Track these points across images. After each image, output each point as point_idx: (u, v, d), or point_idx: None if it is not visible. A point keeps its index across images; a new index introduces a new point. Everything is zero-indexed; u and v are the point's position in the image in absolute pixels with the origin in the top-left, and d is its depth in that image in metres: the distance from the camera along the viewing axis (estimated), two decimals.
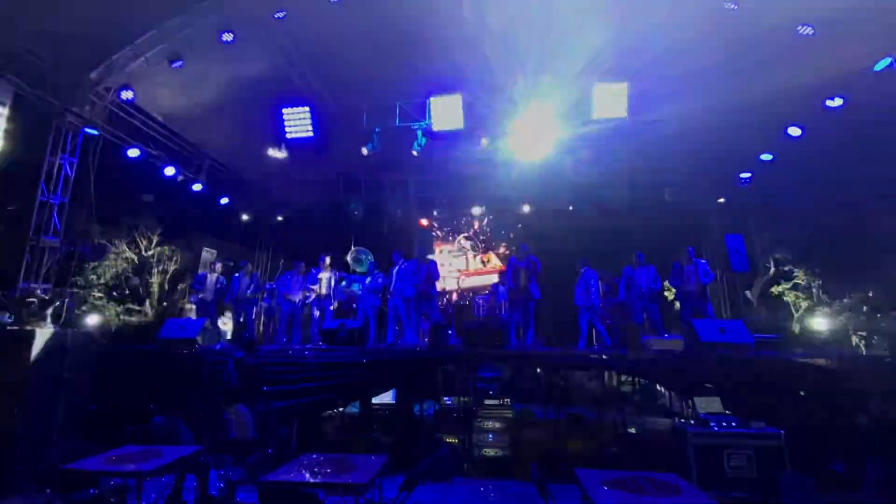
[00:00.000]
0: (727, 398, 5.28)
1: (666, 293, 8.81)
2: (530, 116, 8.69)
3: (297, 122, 8.91)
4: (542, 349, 7.67)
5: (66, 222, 7.65)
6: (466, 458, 6.07)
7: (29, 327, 5.91)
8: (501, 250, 12.36)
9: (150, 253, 9.91)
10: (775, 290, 8.49)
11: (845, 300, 7.58)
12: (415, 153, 8.95)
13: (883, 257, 7.13)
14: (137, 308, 9.49)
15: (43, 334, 5.90)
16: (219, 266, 8.80)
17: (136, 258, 9.69)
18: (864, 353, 6.01)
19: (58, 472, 3.68)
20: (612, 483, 3.37)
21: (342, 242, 11.73)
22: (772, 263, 8.88)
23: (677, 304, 7.98)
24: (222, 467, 4.64)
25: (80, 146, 7.83)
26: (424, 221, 12.56)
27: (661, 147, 9.56)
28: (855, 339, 7.04)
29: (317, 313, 8.22)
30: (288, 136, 9.03)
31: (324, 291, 8.08)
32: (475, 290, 11.68)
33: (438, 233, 12.75)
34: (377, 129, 9.33)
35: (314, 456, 4.05)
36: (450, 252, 12.49)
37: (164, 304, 10.11)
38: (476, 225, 12.70)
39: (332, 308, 8.22)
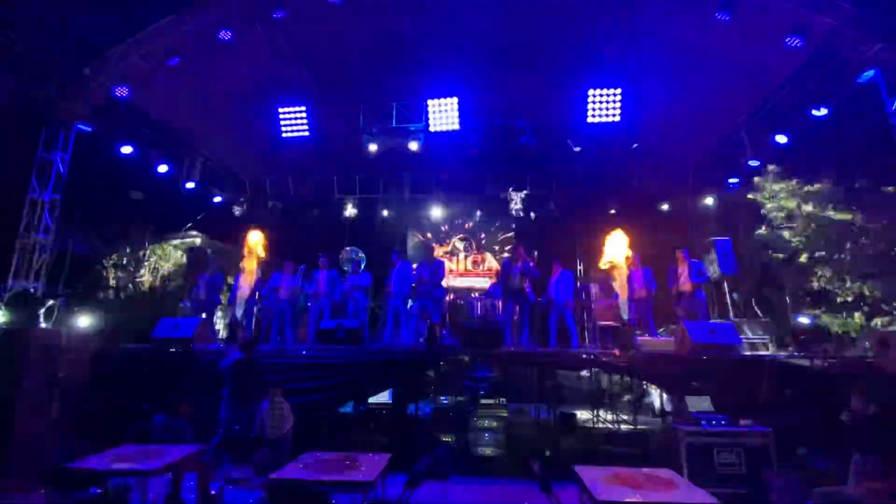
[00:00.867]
0: (717, 397, 5.45)
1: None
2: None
3: (294, 121, 8.90)
4: (538, 349, 7.79)
5: (58, 219, 7.57)
6: (463, 456, 6.14)
7: (22, 326, 5.84)
8: (496, 250, 12.48)
9: (142, 252, 9.81)
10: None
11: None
12: (414, 146, 9.00)
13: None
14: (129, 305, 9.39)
15: (36, 333, 5.85)
16: (213, 265, 8.75)
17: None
18: (847, 354, 6.24)
19: (59, 471, 3.67)
20: (610, 479, 3.48)
21: (337, 242, 11.73)
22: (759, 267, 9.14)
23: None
24: (223, 466, 4.66)
25: (73, 143, 7.74)
26: (420, 236, 12.64)
27: (653, 150, 9.80)
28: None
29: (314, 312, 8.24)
30: (284, 135, 9.01)
31: (322, 291, 8.09)
32: (463, 291, 11.81)
33: (430, 234, 12.82)
34: (373, 129, 9.39)
35: (318, 454, 4.11)
36: (445, 253, 12.56)
37: (157, 302, 10.01)
38: (470, 226, 12.79)
39: (329, 308, 8.23)
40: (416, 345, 7.56)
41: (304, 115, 8.79)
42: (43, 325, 6.42)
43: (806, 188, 8.20)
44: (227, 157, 10.56)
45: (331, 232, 11.70)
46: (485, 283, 11.96)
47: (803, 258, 8.22)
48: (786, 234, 8.48)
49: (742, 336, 6.41)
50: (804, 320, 7.46)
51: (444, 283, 7.96)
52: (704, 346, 6.13)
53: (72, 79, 7.49)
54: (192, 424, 5.12)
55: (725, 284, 8.99)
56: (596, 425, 6.72)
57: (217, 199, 11.09)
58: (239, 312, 8.13)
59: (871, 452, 3.79)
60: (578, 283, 8.51)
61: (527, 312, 7.64)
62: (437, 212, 12.20)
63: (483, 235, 12.64)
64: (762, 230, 8.94)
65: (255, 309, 8.39)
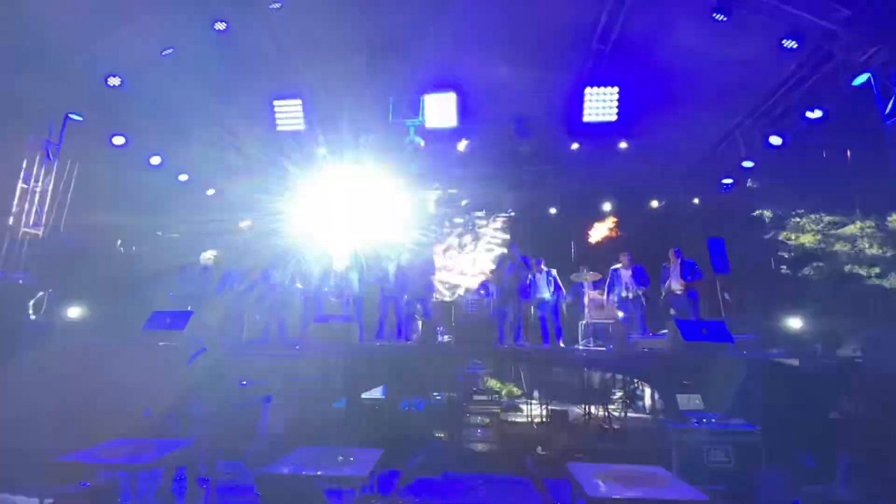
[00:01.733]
0: (708, 395, 5.50)
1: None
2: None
3: (289, 114, 8.83)
4: (530, 346, 7.82)
5: (49, 210, 7.46)
6: (455, 452, 6.16)
7: (10, 318, 5.76)
8: (489, 249, 12.48)
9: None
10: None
11: None
12: (414, 140, 8.96)
13: None
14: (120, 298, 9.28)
15: (25, 325, 5.78)
16: (203, 258, 8.66)
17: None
18: (836, 354, 6.31)
19: (49, 464, 3.63)
20: (602, 475, 3.50)
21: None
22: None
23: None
24: (214, 461, 4.63)
25: (64, 132, 7.63)
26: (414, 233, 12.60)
27: (648, 150, 9.83)
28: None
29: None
30: (279, 128, 8.94)
31: (315, 285, 8.05)
32: (455, 288, 11.82)
33: (425, 231, 12.79)
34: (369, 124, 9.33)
35: (310, 449, 4.09)
36: (442, 251, 12.55)
37: (147, 294, 9.90)
38: (464, 223, 12.78)
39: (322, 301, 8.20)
40: (409, 341, 7.55)
41: (299, 108, 8.73)
42: (32, 316, 6.33)
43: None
44: (221, 149, 10.43)
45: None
46: (475, 281, 12.01)
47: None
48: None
49: (733, 335, 6.48)
50: (795, 320, 7.53)
51: (437, 280, 7.94)
52: (696, 345, 6.18)
53: (64, 67, 7.37)
54: (181, 418, 5.08)
55: (718, 283, 9.07)
56: (588, 422, 6.75)
57: (210, 192, 10.98)
58: (231, 306, 8.06)
59: (859, 451, 3.85)
60: (572, 281, 8.53)
61: (520, 310, 7.65)
62: (431, 208, 12.17)
63: (478, 233, 12.64)
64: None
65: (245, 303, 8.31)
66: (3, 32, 6.62)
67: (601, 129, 8.57)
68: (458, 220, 12.74)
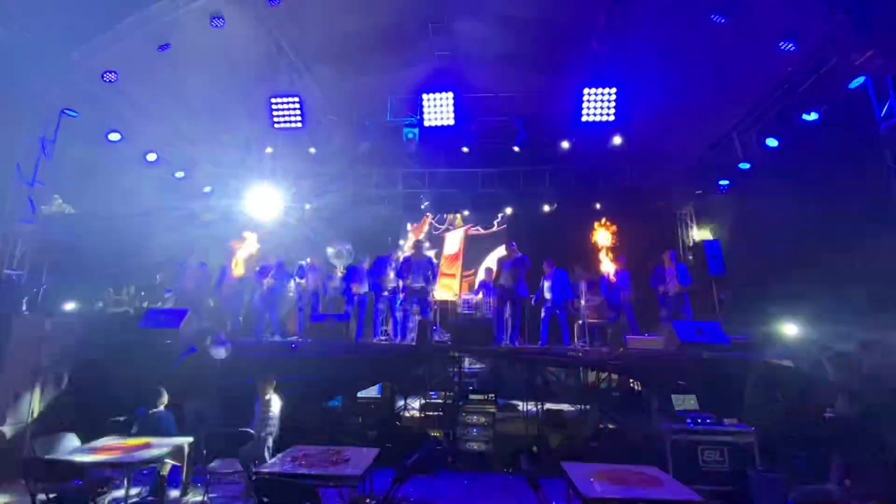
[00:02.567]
0: (703, 396, 5.52)
1: None
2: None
3: (286, 112, 8.78)
4: (528, 346, 7.83)
5: (43, 206, 7.40)
6: (451, 451, 6.17)
7: (4, 314, 5.72)
8: (487, 249, 12.48)
9: None
10: None
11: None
12: (412, 136, 8.97)
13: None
14: (115, 296, 9.24)
15: (19, 321, 5.73)
16: (197, 255, 8.63)
17: None
18: (829, 356, 6.35)
19: (43, 462, 3.61)
20: (597, 475, 3.52)
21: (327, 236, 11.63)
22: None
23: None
24: (208, 459, 4.61)
25: (59, 128, 7.56)
26: (411, 232, 12.61)
27: (645, 151, 9.85)
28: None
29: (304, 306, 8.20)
30: (276, 125, 8.90)
31: (312, 284, 8.04)
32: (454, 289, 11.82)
33: (422, 230, 12.79)
34: (368, 123, 9.33)
35: (305, 448, 4.08)
36: (437, 251, 12.54)
37: (143, 293, 9.87)
38: (460, 223, 12.78)
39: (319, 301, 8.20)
40: (406, 340, 7.55)
41: (297, 105, 8.69)
42: (26, 313, 6.29)
43: None
44: (218, 146, 10.39)
45: (322, 225, 11.60)
46: (473, 280, 12.04)
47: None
48: None
49: (728, 336, 6.51)
50: (790, 323, 7.57)
51: (431, 286, 7.91)
52: (692, 346, 6.21)
53: (59, 62, 7.31)
54: (176, 416, 5.06)
55: (713, 285, 9.11)
56: (583, 422, 6.77)
57: (207, 189, 10.93)
58: (226, 304, 8.05)
59: (852, 452, 3.87)
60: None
61: (517, 310, 7.66)
62: (429, 207, 12.16)
63: (473, 231, 12.64)
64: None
65: (242, 301, 8.30)
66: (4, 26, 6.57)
67: (599, 129, 8.58)
68: (456, 220, 12.74)
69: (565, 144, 9.34)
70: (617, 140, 8.97)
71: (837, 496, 3.72)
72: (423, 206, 12.01)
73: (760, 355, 6.41)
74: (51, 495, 3.61)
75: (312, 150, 9.53)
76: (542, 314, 7.71)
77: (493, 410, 6.57)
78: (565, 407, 7.36)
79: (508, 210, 12.07)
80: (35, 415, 5.53)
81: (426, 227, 12.72)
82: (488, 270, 8.85)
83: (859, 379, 4.15)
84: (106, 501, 4.08)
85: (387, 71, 8.66)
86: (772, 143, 7.98)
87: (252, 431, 4.97)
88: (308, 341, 7.28)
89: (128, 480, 3.87)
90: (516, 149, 9.31)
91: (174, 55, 7.39)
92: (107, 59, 7.37)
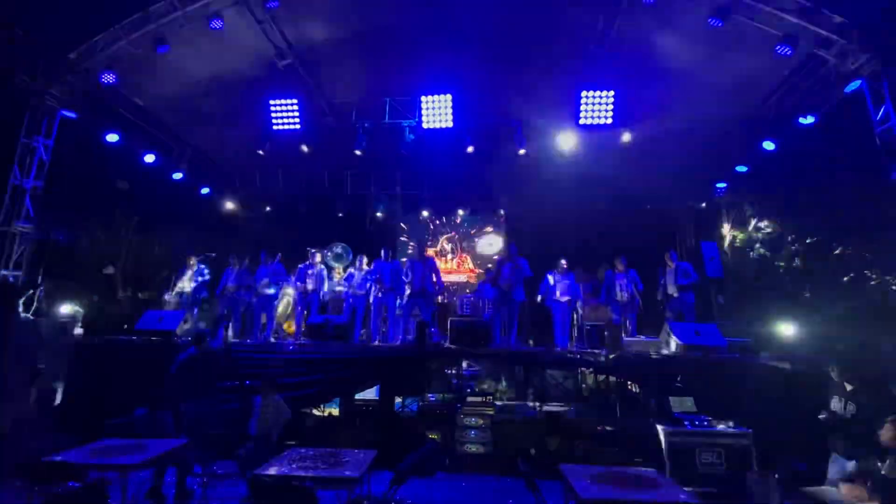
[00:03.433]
0: (700, 398, 5.53)
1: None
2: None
3: (285, 114, 8.80)
4: (526, 348, 7.83)
5: (40, 207, 7.39)
6: (449, 453, 6.16)
7: (1, 317, 5.69)
8: (485, 250, 12.50)
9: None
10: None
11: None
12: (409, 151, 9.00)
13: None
14: (111, 298, 9.23)
15: (16, 323, 5.72)
16: (195, 258, 8.63)
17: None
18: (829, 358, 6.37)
19: (37, 464, 3.59)
20: (594, 477, 3.52)
21: (325, 237, 11.64)
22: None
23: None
24: (206, 461, 4.60)
25: (57, 129, 7.56)
26: (410, 234, 12.64)
27: (643, 153, 9.88)
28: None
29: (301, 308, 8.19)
30: (274, 127, 8.92)
31: (311, 286, 8.03)
32: (450, 288, 11.84)
33: (421, 231, 12.80)
34: (366, 125, 9.34)
35: (303, 450, 4.08)
36: (435, 252, 12.55)
37: (140, 295, 9.86)
38: (458, 223, 12.79)
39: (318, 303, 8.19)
40: (404, 342, 7.54)
41: (295, 107, 8.70)
42: (22, 315, 6.27)
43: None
44: (215, 148, 10.39)
45: (320, 227, 11.61)
46: (464, 278, 12.08)
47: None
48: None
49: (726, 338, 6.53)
50: (786, 324, 7.60)
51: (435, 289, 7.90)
52: (689, 348, 6.22)
53: (57, 63, 7.30)
54: (174, 418, 5.05)
55: (711, 287, 9.14)
56: (582, 424, 6.76)
57: (205, 191, 10.93)
58: (224, 306, 8.04)
59: (848, 453, 3.89)
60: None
61: (515, 312, 7.66)
62: (427, 209, 12.18)
63: (472, 234, 12.66)
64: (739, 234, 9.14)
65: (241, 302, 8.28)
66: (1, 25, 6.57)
67: (597, 132, 8.61)
68: (455, 221, 12.75)
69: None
70: (626, 137, 8.95)
71: (836, 499, 3.73)
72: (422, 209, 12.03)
73: (757, 358, 6.44)
74: (47, 497, 3.59)
75: (305, 147, 9.52)
76: (553, 316, 7.71)
77: (490, 412, 6.56)
78: (563, 409, 7.34)
79: (507, 212, 12.09)
80: (32, 416, 5.51)
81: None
82: (488, 272, 8.86)
83: (857, 380, 4.16)
84: None
85: (385, 73, 8.67)
86: (769, 146, 8.02)
87: (250, 433, 4.96)
88: (306, 343, 7.28)
89: (125, 482, 3.85)
90: (522, 151, 9.28)
91: (173, 57, 7.40)
92: (105, 60, 7.38)
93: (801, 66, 7.09)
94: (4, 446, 5.02)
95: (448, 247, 12.67)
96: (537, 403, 7.10)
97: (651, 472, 3.72)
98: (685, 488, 3.48)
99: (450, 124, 8.48)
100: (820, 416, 4.32)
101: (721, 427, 5.12)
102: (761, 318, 8.18)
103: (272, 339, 7.91)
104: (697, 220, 10.75)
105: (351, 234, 11.74)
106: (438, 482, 5.50)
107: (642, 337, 7.47)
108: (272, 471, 3.43)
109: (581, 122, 8.17)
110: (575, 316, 8.09)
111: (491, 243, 12.47)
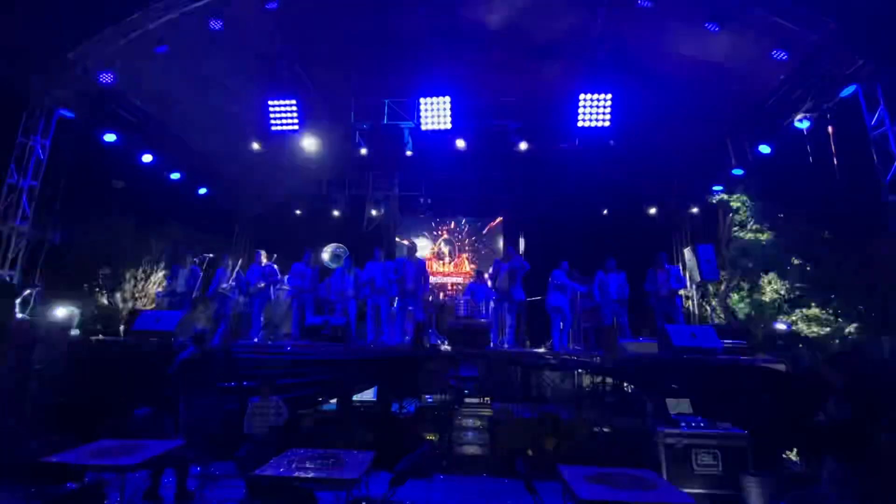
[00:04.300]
0: (696, 400, 5.57)
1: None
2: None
3: (284, 114, 8.80)
4: (523, 350, 7.85)
5: (37, 207, 7.36)
6: (446, 455, 6.16)
7: None
8: (484, 251, 12.53)
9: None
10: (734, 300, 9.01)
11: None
12: (409, 153, 9.00)
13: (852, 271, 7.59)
14: (108, 299, 9.19)
15: (11, 324, 5.69)
16: (190, 259, 8.61)
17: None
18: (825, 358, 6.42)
19: (36, 465, 3.58)
20: (592, 478, 3.54)
21: (322, 238, 11.65)
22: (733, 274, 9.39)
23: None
24: (204, 462, 4.59)
25: (54, 129, 7.54)
26: (407, 235, 12.65)
27: (638, 156, 9.94)
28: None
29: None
30: (273, 128, 8.91)
31: (307, 287, 8.03)
32: (445, 288, 11.89)
33: (417, 233, 12.83)
34: (364, 126, 9.36)
35: (301, 451, 4.08)
36: (432, 254, 12.57)
37: (136, 296, 9.82)
38: (456, 225, 12.82)
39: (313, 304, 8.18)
40: (401, 343, 7.55)
41: (294, 108, 8.70)
42: (18, 315, 6.24)
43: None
44: (214, 148, 10.37)
45: (318, 228, 11.61)
46: (462, 280, 12.11)
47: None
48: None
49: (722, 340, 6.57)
50: (781, 326, 7.66)
51: (430, 283, 7.92)
52: (685, 350, 6.26)
53: (55, 63, 7.28)
54: (173, 418, 5.03)
55: (710, 288, 9.20)
56: (579, 425, 6.79)
57: (202, 191, 10.91)
58: (220, 306, 8.02)
59: (845, 455, 3.91)
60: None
61: (513, 313, 7.68)
62: (424, 211, 12.20)
63: (470, 235, 12.68)
64: (738, 232, 9.23)
65: (236, 302, 8.27)
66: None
67: (595, 135, 8.67)
68: (453, 223, 12.78)
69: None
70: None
71: (832, 501, 3.75)
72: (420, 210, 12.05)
73: (753, 359, 6.48)
74: (45, 498, 3.58)
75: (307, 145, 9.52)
76: (551, 318, 7.73)
77: (488, 414, 6.58)
78: (560, 410, 7.36)
79: (506, 214, 12.13)
80: (29, 417, 5.48)
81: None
82: (478, 273, 8.88)
83: (854, 381, 4.19)
84: None
85: (384, 74, 8.69)
86: (765, 149, 8.09)
87: (246, 433, 4.95)
88: (303, 344, 7.27)
89: (123, 483, 3.84)
90: (523, 145, 9.29)
91: (172, 57, 7.39)
92: (104, 60, 7.36)
93: (797, 70, 7.15)
94: (1, 448, 4.99)
95: (446, 249, 12.69)
96: (535, 405, 7.13)
97: (648, 473, 3.75)
98: (681, 489, 3.50)
99: (448, 126, 8.50)
100: (817, 418, 4.35)
101: (717, 428, 5.16)
102: (758, 319, 8.24)
103: (269, 341, 7.90)
104: (693, 222, 10.82)
105: (347, 235, 11.74)
106: (436, 483, 5.50)
107: (639, 339, 7.50)
108: (272, 471, 3.43)
109: (579, 124, 8.21)
110: (573, 318, 8.12)
111: (488, 245, 12.50)
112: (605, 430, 6.64)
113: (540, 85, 8.48)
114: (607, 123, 8.18)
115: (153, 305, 9.57)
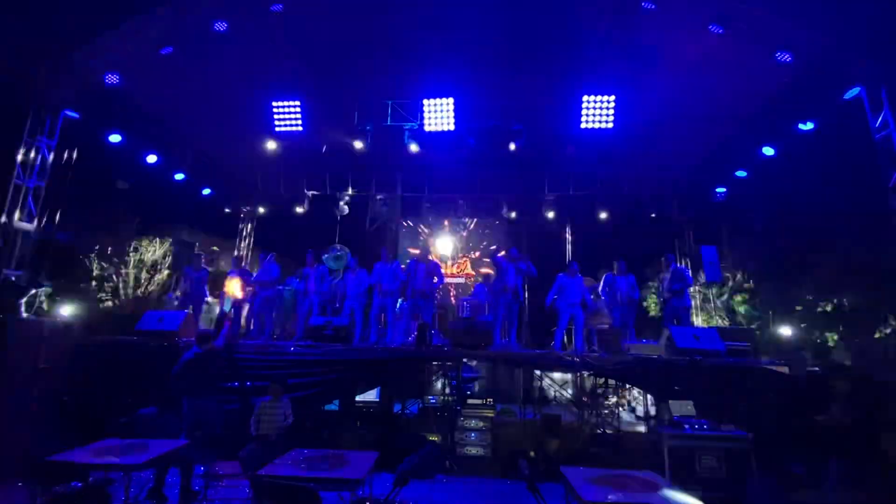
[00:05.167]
0: (700, 402, 5.56)
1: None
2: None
3: (288, 115, 8.84)
4: (526, 351, 7.84)
5: (43, 207, 7.40)
6: (449, 456, 6.17)
7: (2, 315, 5.70)
8: (486, 253, 12.53)
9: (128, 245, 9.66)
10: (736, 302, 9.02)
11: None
12: (414, 148, 9.01)
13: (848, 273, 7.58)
14: (111, 298, 9.24)
15: (18, 323, 5.72)
16: (199, 259, 8.64)
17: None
18: (826, 362, 6.41)
19: (41, 464, 3.60)
20: (595, 480, 3.54)
21: (325, 239, 11.66)
22: (737, 275, 9.37)
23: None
24: (208, 462, 4.61)
25: (60, 129, 7.58)
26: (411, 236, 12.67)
27: (643, 158, 9.93)
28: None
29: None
30: (277, 129, 8.95)
31: (311, 288, 8.04)
32: (453, 291, 11.89)
33: (423, 232, 12.84)
34: (367, 127, 9.37)
35: (305, 451, 4.09)
36: (435, 255, 12.58)
37: (141, 295, 9.87)
38: (458, 226, 12.82)
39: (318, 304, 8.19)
40: (405, 344, 7.55)
41: (297, 109, 8.74)
42: (24, 314, 6.28)
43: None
44: (218, 149, 10.41)
45: (321, 229, 11.64)
46: (465, 281, 12.12)
47: None
48: None
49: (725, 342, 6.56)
50: (785, 329, 7.64)
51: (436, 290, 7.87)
52: (689, 352, 6.25)
53: (61, 64, 7.32)
54: (177, 418, 5.06)
55: (712, 290, 9.18)
56: (581, 427, 6.79)
57: (206, 192, 10.96)
58: (227, 307, 8.05)
59: (847, 458, 3.91)
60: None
61: (516, 314, 7.68)
62: (428, 212, 12.21)
63: (474, 237, 12.69)
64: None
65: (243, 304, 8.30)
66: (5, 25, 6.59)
67: (598, 136, 8.66)
68: (455, 224, 12.78)
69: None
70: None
71: (834, 502, 3.75)
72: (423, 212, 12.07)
73: (757, 361, 6.46)
74: (50, 497, 3.60)
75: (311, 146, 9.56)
76: (560, 318, 7.68)
77: (491, 415, 6.58)
78: (563, 412, 7.36)
79: (509, 215, 12.12)
80: (34, 416, 5.51)
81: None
82: (486, 275, 8.88)
83: (856, 384, 4.19)
84: None
85: (387, 76, 8.71)
86: (768, 151, 8.08)
87: (253, 433, 4.97)
88: (307, 344, 7.28)
89: (128, 482, 3.86)
90: (513, 142, 9.28)
91: (177, 58, 7.43)
92: (109, 60, 7.40)
93: (801, 72, 7.13)
94: (7, 446, 5.02)
95: (448, 251, 12.70)
96: (538, 406, 7.13)
97: (651, 475, 3.74)
98: (685, 491, 3.49)
99: (451, 127, 8.53)
100: (820, 420, 4.35)
101: (721, 431, 5.14)
102: (762, 321, 8.22)
103: (275, 341, 7.91)
104: (697, 224, 10.80)
105: (351, 235, 11.76)
106: (439, 484, 5.52)
107: (642, 340, 7.49)
108: (275, 471, 3.45)
109: (582, 126, 8.22)
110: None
111: (492, 246, 12.49)
112: (608, 431, 6.65)
113: (543, 87, 8.48)
114: (610, 125, 8.19)
115: (160, 305, 9.63)
